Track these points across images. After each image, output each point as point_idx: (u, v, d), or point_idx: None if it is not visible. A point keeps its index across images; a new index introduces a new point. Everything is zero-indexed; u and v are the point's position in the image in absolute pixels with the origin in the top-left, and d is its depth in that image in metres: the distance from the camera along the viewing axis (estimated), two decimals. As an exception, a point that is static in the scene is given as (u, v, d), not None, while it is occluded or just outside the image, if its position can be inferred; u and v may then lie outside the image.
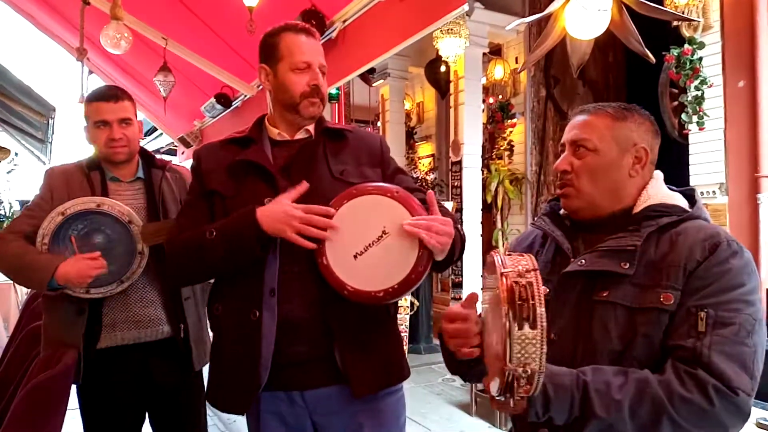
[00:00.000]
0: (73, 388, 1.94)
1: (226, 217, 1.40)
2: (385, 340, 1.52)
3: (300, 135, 1.55)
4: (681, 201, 1.19)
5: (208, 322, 2.11)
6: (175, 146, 9.77)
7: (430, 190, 1.37)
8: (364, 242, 1.33)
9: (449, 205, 4.72)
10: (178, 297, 1.97)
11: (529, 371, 0.90)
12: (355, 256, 1.33)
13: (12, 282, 5.37)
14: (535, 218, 1.35)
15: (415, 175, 7.62)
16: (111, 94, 1.94)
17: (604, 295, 1.06)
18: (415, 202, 1.33)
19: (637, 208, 1.17)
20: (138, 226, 1.85)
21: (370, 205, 1.34)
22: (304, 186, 1.38)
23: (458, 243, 1.40)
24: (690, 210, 1.16)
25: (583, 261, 1.13)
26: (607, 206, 1.19)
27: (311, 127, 1.56)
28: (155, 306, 1.95)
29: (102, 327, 1.88)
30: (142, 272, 1.89)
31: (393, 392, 1.53)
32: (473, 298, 1.13)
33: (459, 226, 1.44)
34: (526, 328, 0.89)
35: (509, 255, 0.98)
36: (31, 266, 1.77)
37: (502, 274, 0.93)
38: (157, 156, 2.18)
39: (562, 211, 1.30)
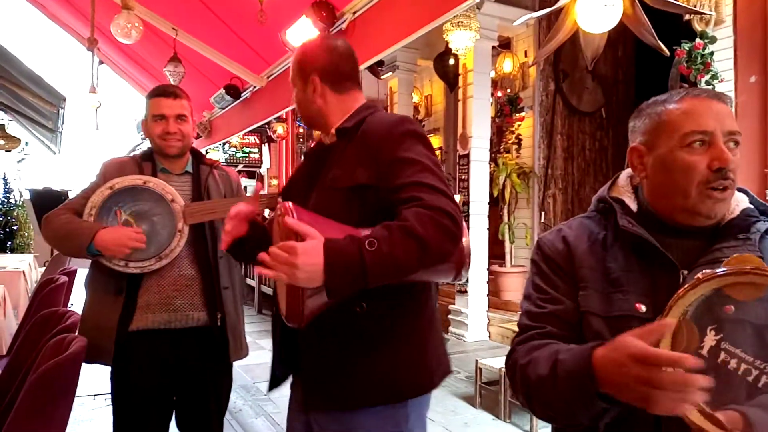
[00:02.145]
0: (101, 371, 1.99)
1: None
2: (358, 360, 1.37)
3: (327, 138, 1.52)
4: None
5: (244, 316, 2.22)
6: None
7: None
8: None
9: (456, 198, 4.69)
10: (217, 285, 2.04)
11: None
12: None
13: (22, 270, 5.42)
14: (591, 218, 1.16)
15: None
16: (171, 92, 2.11)
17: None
18: (290, 226, 1.17)
19: (732, 213, 1.04)
20: (180, 205, 1.97)
21: (279, 224, 1.28)
22: (257, 188, 1.48)
23: (347, 266, 1.15)
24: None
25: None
26: None
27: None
28: (190, 291, 2.00)
29: (136, 308, 1.96)
30: (181, 257, 1.99)
31: (381, 412, 1.38)
32: (664, 329, 0.84)
33: (365, 245, 1.16)
34: None
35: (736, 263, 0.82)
36: (74, 232, 1.90)
37: None
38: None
39: (634, 208, 1.11)
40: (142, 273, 1.94)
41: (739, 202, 1.06)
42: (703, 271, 0.83)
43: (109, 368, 1.98)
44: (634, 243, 1.05)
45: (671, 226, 1.05)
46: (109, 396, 2.04)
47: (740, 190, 1.09)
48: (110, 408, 2.05)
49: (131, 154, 2.17)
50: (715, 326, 0.85)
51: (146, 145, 2.25)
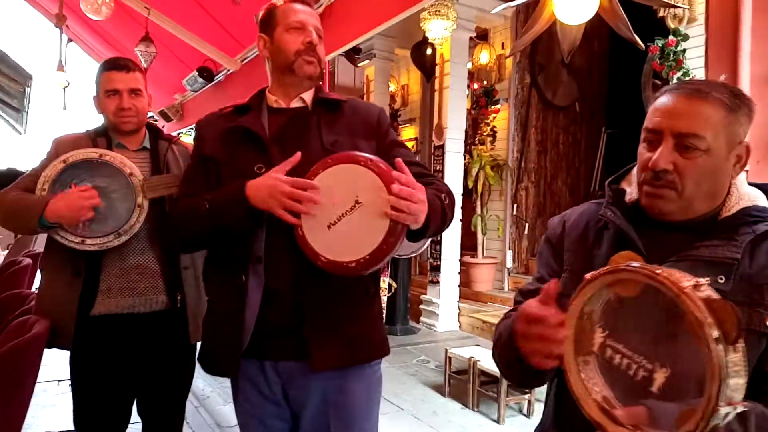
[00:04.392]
0: (65, 357, 1.92)
1: (220, 188, 1.44)
2: (356, 319, 1.48)
3: (296, 103, 1.54)
4: (763, 200, 1.05)
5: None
6: (155, 120, 9.64)
7: (398, 158, 1.32)
8: (338, 212, 1.31)
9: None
10: (176, 265, 1.95)
11: (737, 408, 0.73)
12: (329, 226, 1.31)
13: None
14: (601, 206, 1.14)
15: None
16: (123, 65, 1.97)
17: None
18: (391, 172, 1.28)
19: (729, 210, 1.02)
20: (139, 179, 1.86)
21: (344, 173, 1.31)
22: (296, 157, 1.37)
23: (437, 212, 1.36)
24: None
25: None
26: (700, 210, 1.03)
27: (308, 97, 1.54)
28: (152, 274, 1.92)
29: (98, 292, 1.86)
30: (142, 237, 1.89)
31: (362, 373, 1.50)
32: (552, 291, 0.93)
33: (443, 195, 1.42)
34: (731, 353, 0.73)
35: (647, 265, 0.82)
36: (24, 207, 1.79)
37: (681, 290, 0.75)
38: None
39: (628, 198, 1.11)
40: (101, 252, 1.83)
41: (742, 200, 1.03)
42: (591, 272, 0.88)
43: (68, 353, 1.91)
44: (618, 232, 1.07)
45: (663, 221, 1.04)
46: None
47: (763, 186, 1.08)
48: (73, 394, 2.00)
49: (85, 131, 2.03)
50: (603, 323, 0.88)
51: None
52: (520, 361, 1.00)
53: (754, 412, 0.86)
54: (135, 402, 2.04)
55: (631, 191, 1.11)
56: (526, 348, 0.96)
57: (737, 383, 0.73)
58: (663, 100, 1.02)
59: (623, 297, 0.86)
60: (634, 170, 1.15)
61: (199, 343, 2.05)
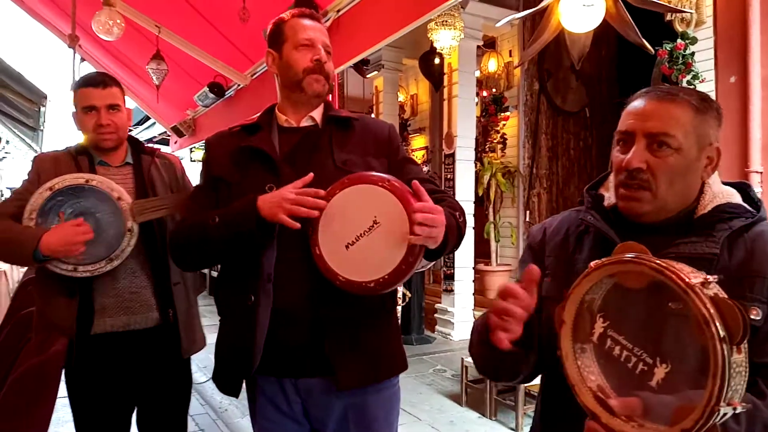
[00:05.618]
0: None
1: (229, 204, 1.43)
2: (377, 335, 1.48)
3: (306, 122, 1.54)
4: (737, 197, 1.08)
5: (199, 309, 2.13)
6: (168, 136, 9.73)
7: (415, 180, 1.32)
8: (356, 232, 1.31)
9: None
10: (167, 282, 1.95)
11: (737, 409, 0.72)
12: (347, 246, 1.32)
13: (3, 270, 5.35)
14: (580, 211, 1.17)
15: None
16: (99, 80, 1.94)
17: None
18: (408, 192, 1.29)
19: (704, 208, 1.04)
20: (128, 203, 1.84)
21: (361, 194, 1.32)
22: (309, 177, 1.37)
23: (453, 231, 1.37)
24: (754, 210, 1.05)
25: None
26: (673, 209, 1.05)
27: (318, 115, 1.54)
28: (146, 291, 1.92)
29: (94, 312, 1.86)
30: (132, 256, 1.87)
31: (383, 388, 1.50)
32: (534, 275, 0.97)
33: (457, 213, 1.42)
34: (735, 353, 0.72)
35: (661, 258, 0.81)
36: (15, 239, 1.75)
37: (690, 287, 0.74)
38: (147, 144, 2.17)
39: (606, 203, 1.14)
40: (93, 276, 1.82)
41: (716, 198, 1.05)
42: (595, 261, 0.88)
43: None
44: (599, 236, 1.10)
45: (641, 222, 1.06)
46: None
47: (736, 185, 1.10)
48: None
49: (65, 148, 2.00)
50: (603, 313, 0.89)
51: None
52: (492, 350, 1.00)
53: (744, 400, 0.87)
54: (135, 419, 2.04)
55: (609, 196, 1.14)
56: (490, 321, 0.98)
57: (738, 384, 0.73)
58: (635, 104, 1.06)
59: (627, 288, 0.86)
60: (611, 176, 1.18)
61: (193, 357, 2.08)
